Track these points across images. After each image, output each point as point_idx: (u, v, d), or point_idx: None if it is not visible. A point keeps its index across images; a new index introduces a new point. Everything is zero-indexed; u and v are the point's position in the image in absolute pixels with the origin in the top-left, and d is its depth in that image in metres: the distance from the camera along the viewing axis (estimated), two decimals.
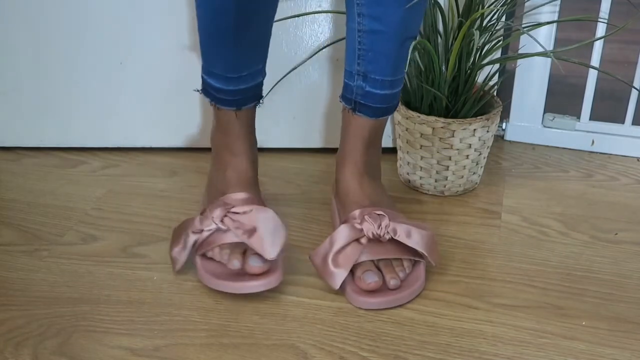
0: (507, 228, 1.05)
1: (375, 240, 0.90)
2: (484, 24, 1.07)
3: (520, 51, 1.21)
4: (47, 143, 1.26)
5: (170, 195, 1.14)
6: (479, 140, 1.09)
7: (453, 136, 1.07)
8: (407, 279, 0.90)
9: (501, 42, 1.09)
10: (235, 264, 0.88)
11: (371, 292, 0.88)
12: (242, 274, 0.89)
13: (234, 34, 0.90)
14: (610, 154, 1.27)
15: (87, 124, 1.24)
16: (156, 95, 1.22)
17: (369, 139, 0.98)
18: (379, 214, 0.90)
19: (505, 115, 1.30)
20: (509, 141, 1.31)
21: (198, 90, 0.98)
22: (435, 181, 1.12)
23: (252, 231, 0.88)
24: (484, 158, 1.14)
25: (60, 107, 1.23)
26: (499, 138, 1.32)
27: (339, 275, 0.88)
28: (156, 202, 1.11)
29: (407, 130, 1.10)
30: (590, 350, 0.82)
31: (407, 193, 1.15)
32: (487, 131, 1.09)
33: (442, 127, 1.07)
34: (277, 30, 1.14)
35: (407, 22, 0.89)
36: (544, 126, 1.30)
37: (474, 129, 1.07)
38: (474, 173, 1.13)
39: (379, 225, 0.89)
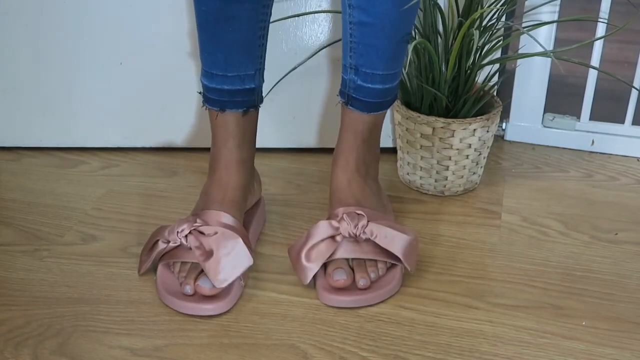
0: (507, 228, 1.05)
1: (352, 239, 0.90)
2: (484, 24, 1.07)
3: (520, 51, 1.21)
4: (47, 143, 1.26)
5: (170, 195, 1.14)
6: (479, 140, 1.09)
7: (453, 136, 1.07)
8: (379, 281, 0.90)
9: (501, 42, 1.09)
10: (187, 289, 0.86)
11: (339, 290, 0.88)
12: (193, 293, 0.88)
13: (216, 24, 0.90)
14: (610, 154, 1.27)
15: (87, 124, 1.24)
16: (156, 95, 1.22)
17: (362, 134, 0.97)
18: (358, 214, 0.90)
19: (505, 115, 1.30)
20: (509, 141, 1.31)
21: (200, 92, 0.98)
22: (435, 181, 1.12)
23: (209, 254, 0.86)
24: (484, 158, 1.14)
25: (60, 107, 1.23)
26: (499, 138, 1.31)
27: (310, 270, 0.88)
28: (156, 202, 1.11)
29: (407, 130, 1.10)
30: (590, 350, 0.82)
31: (407, 193, 1.15)
32: (487, 131, 1.09)
33: (442, 127, 1.07)
34: (277, 30, 1.15)
35: (397, 16, 0.88)
36: (544, 126, 1.29)
37: (474, 129, 1.07)
38: (474, 173, 1.13)
39: (356, 225, 0.89)
